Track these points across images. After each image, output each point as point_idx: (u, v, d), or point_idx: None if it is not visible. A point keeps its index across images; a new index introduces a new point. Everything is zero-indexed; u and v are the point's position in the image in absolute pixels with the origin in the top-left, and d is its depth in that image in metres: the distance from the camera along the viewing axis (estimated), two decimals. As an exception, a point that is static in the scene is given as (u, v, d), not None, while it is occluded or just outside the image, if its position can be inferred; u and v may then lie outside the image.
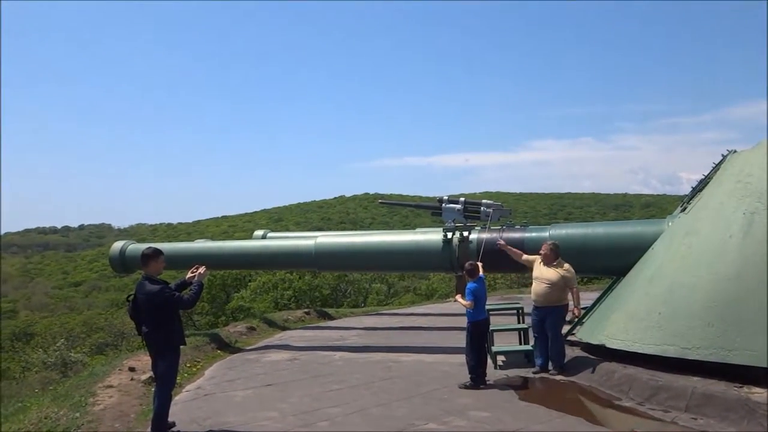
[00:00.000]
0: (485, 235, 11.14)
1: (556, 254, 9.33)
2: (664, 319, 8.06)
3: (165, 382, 6.86)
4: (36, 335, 39.86)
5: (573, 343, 9.97)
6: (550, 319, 9.12)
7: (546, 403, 7.73)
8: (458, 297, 9.21)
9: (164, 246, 16.54)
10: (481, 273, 9.01)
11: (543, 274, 9.24)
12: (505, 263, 10.19)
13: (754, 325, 7.25)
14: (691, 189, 10.26)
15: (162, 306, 6.74)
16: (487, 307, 9.17)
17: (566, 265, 9.23)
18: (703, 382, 7.25)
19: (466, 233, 11.51)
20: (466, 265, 9.16)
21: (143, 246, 15.27)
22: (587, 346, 9.47)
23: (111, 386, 9.07)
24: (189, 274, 7.13)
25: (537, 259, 9.50)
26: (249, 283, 32.97)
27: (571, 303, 9.21)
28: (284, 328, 15.54)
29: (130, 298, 7.03)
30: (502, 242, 10.22)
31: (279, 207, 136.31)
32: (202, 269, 7.13)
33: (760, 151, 8.74)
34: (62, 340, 27.74)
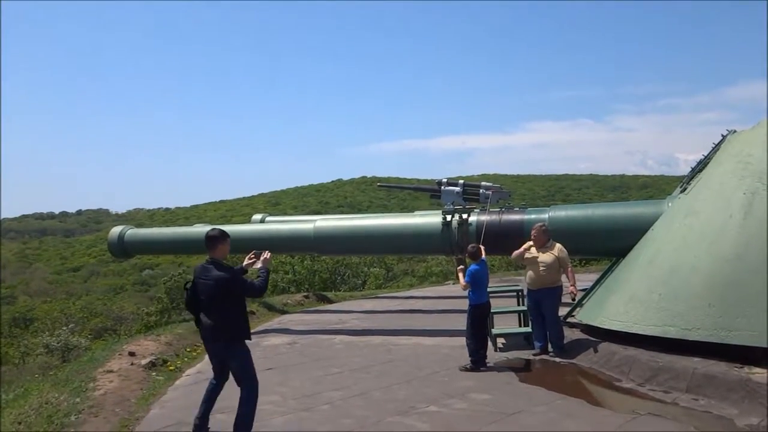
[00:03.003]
0: (485, 218, 11.10)
1: (547, 236, 9.29)
2: (664, 300, 8.05)
3: (249, 380, 6.08)
4: (35, 320, 39.92)
5: (573, 325, 9.99)
6: (546, 301, 9.09)
7: (546, 385, 7.73)
8: (460, 273, 9.16)
9: (163, 231, 16.58)
10: (483, 256, 8.98)
11: (536, 257, 9.18)
12: (507, 246, 10.14)
13: (754, 305, 7.23)
14: (690, 169, 10.22)
15: (235, 293, 6.05)
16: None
17: (558, 246, 9.18)
18: (704, 362, 7.26)
19: (465, 216, 11.47)
20: (469, 247, 9.14)
21: (141, 231, 15.29)
22: (587, 328, 9.48)
23: (111, 371, 9.07)
24: (246, 261, 6.41)
25: (528, 244, 9.43)
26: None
27: (566, 284, 9.19)
28: (283, 312, 15.55)
29: (188, 285, 6.25)
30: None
31: (276, 191, 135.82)
32: (267, 254, 6.40)
33: (760, 131, 8.69)
34: (71, 325, 27.83)
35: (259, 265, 6.30)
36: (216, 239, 6.19)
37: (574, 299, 9.44)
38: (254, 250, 6.56)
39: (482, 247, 9.17)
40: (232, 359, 6.06)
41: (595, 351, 8.65)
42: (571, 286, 9.00)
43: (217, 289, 5.94)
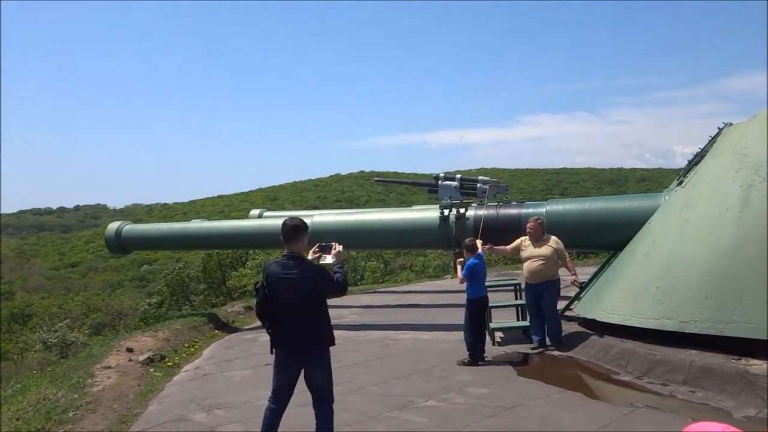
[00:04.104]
0: (482, 212, 11.10)
1: (543, 229, 9.29)
2: (661, 293, 8.05)
3: (331, 391, 5.38)
4: (33, 316, 39.95)
5: (570, 319, 9.99)
6: (546, 295, 9.09)
7: (544, 378, 7.74)
8: (458, 265, 9.15)
9: (160, 226, 16.53)
10: (480, 250, 8.97)
11: (535, 251, 9.16)
12: (504, 240, 10.14)
13: (751, 297, 7.23)
14: (687, 162, 10.21)
15: (323, 293, 5.25)
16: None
17: (554, 238, 9.18)
18: (701, 355, 7.27)
19: (462, 210, 11.46)
20: (466, 241, 9.11)
21: (139, 227, 15.24)
22: (585, 321, 9.48)
23: (109, 367, 9.05)
24: (311, 255, 5.49)
25: (522, 240, 9.44)
26: (246, 263, 32.99)
27: (565, 277, 9.18)
28: (282, 307, 15.49)
29: (259, 285, 5.25)
30: (487, 247, 9.60)
31: (274, 186, 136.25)
32: (339, 247, 5.50)
33: (757, 123, 8.67)
34: (66, 320, 27.89)
35: (329, 260, 5.49)
36: (300, 230, 5.26)
37: (580, 286, 9.44)
38: (318, 243, 5.64)
39: (479, 241, 9.16)
40: (319, 368, 5.27)
41: (593, 344, 8.66)
42: (573, 275, 9.02)
43: (310, 286, 5.14)
